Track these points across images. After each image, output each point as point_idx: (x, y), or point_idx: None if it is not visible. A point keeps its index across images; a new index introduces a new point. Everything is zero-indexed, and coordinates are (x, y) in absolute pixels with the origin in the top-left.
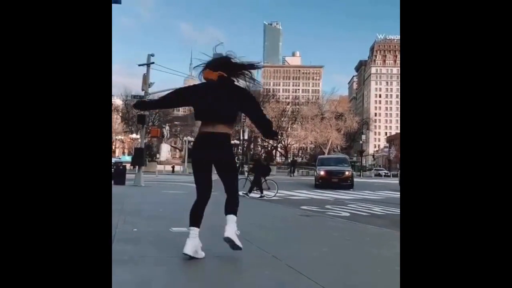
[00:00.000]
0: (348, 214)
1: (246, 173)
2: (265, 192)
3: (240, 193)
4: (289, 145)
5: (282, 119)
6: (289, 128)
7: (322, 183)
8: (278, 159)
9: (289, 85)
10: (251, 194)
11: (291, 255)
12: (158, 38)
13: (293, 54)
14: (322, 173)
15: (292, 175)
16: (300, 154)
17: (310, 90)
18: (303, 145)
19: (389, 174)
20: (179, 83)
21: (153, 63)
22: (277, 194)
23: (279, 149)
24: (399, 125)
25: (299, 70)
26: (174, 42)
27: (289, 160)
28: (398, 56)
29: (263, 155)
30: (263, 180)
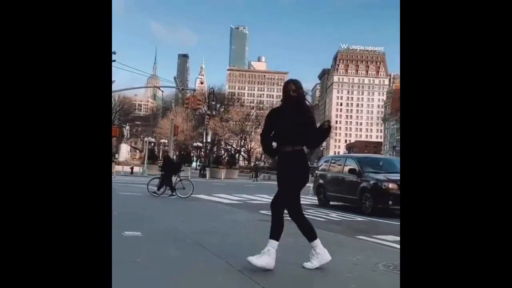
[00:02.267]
0: None
1: (159, 173)
2: (179, 193)
3: (150, 192)
4: (252, 149)
5: (246, 123)
6: (252, 132)
7: (394, 205)
8: (241, 163)
9: (254, 90)
10: (159, 192)
11: (245, 261)
12: (123, 35)
13: (259, 59)
14: (391, 186)
15: (256, 179)
16: (262, 159)
17: (275, 96)
18: None
19: None
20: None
21: (114, 60)
22: (237, 198)
23: (242, 153)
24: (358, 133)
25: (264, 76)
26: (139, 40)
27: (252, 165)
28: (360, 66)
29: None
30: (177, 179)
